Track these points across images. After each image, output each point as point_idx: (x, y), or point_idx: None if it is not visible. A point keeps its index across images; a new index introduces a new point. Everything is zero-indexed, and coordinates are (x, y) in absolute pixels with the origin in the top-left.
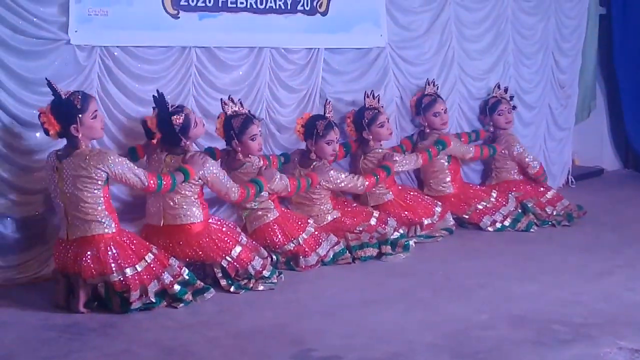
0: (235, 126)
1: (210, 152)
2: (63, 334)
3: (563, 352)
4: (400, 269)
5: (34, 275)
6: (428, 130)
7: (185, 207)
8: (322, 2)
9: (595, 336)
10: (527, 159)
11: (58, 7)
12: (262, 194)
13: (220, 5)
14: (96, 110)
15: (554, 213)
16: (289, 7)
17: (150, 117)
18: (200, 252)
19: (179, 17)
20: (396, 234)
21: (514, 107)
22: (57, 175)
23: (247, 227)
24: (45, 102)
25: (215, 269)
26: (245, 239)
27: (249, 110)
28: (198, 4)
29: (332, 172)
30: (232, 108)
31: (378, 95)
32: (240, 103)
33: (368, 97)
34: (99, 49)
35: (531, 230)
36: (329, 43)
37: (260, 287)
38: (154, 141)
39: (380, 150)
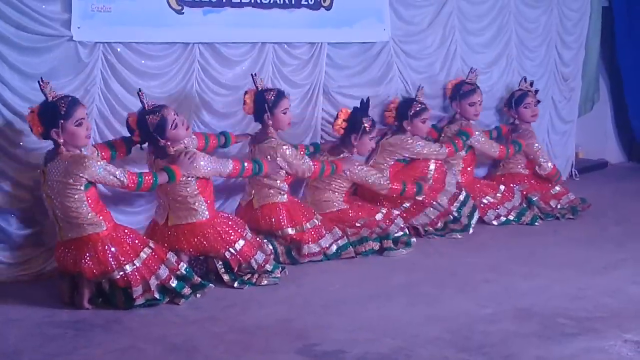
0: (269, 99)
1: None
2: (68, 330)
3: (568, 346)
4: (404, 263)
5: (38, 271)
6: (459, 117)
7: (190, 207)
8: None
9: (600, 330)
10: (540, 159)
11: (61, 3)
12: (280, 172)
13: (224, 0)
14: (82, 118)
15: (558, 207)
16: (293, 1)
17: (132, 114)
18: (205, 242)
19: (183, 13)
20: (400, 233)
21: (539, 101)
22: (42, 179)
23: (253, 202)
24: None
25: (217, 264)
26: (249, 234)
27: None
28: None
29: (359, 165)
30: (261, 83)
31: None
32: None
33: (421, 89)
34: (102, 45)
35: (536, 223)
36: (333, 38)
37: (264, 282)
38: (135, 139)
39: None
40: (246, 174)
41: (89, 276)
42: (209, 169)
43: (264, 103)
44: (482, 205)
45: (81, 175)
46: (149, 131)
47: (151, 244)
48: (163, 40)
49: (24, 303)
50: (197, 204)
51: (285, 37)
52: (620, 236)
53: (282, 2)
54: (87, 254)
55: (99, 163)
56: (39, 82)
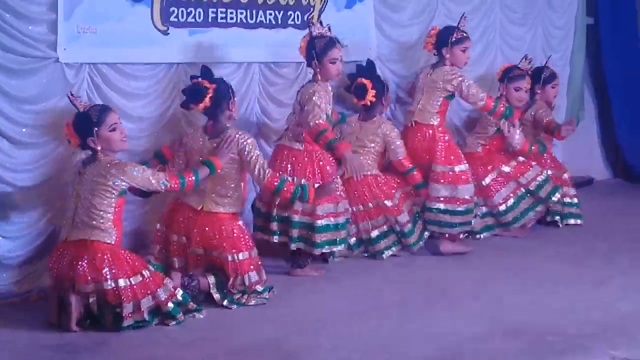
0: (318, 47)
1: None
2: (56, 353)
3: None
4: (392, 278)
5: (26, 294)
6: (504, 101)
7: (231, 195)
8: (313, 16)
9: (589, 346)
10: (546, 119)
11: (47, 25)
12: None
13: (210, 20)
14: (115, 123)
15: (558, 198)
16: (279, 21)
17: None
18: (217, 236)
19: (168, 34)
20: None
21: None
22: (78, 179)
23: None
24: (34, 120)
25: (209, 278)
26: (255, 252)
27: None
28: (188, 20)
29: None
30: (318, 30)
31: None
32: (329, 28)
33: (463, 18)
34: (88, 66)
35: (530, 213)
36: None
37: (252, 302)
38: (201, 105)
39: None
40: (284, 195)
41: (80, 282)
42: (254, 154)
43: (313, 50)
44: (502, 173)
45: (125, 180)
46: (227, 91)
47: (150, 269)
48: (148, 60)
49: (11, 325)
50: (236, 193)
51: (271, 56)
52: (608, 252)
53: (268, 22)
54: (85, 257)
55: (139, 167)
56: (68, 96)
